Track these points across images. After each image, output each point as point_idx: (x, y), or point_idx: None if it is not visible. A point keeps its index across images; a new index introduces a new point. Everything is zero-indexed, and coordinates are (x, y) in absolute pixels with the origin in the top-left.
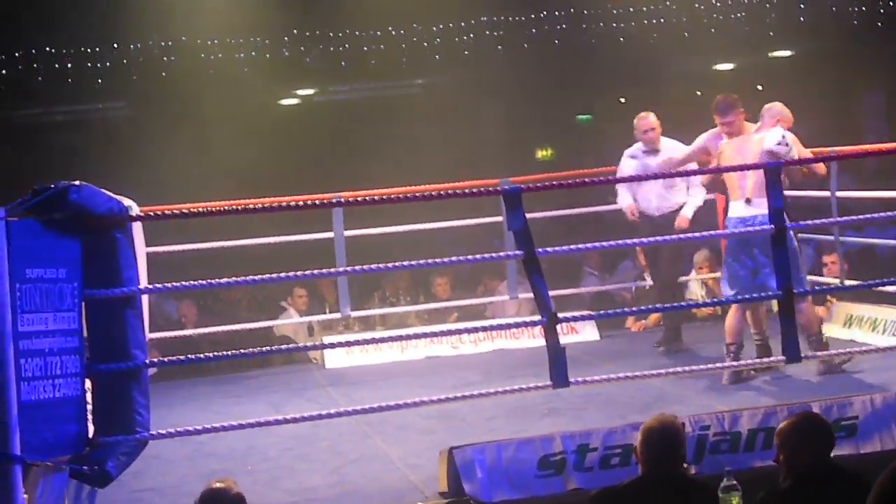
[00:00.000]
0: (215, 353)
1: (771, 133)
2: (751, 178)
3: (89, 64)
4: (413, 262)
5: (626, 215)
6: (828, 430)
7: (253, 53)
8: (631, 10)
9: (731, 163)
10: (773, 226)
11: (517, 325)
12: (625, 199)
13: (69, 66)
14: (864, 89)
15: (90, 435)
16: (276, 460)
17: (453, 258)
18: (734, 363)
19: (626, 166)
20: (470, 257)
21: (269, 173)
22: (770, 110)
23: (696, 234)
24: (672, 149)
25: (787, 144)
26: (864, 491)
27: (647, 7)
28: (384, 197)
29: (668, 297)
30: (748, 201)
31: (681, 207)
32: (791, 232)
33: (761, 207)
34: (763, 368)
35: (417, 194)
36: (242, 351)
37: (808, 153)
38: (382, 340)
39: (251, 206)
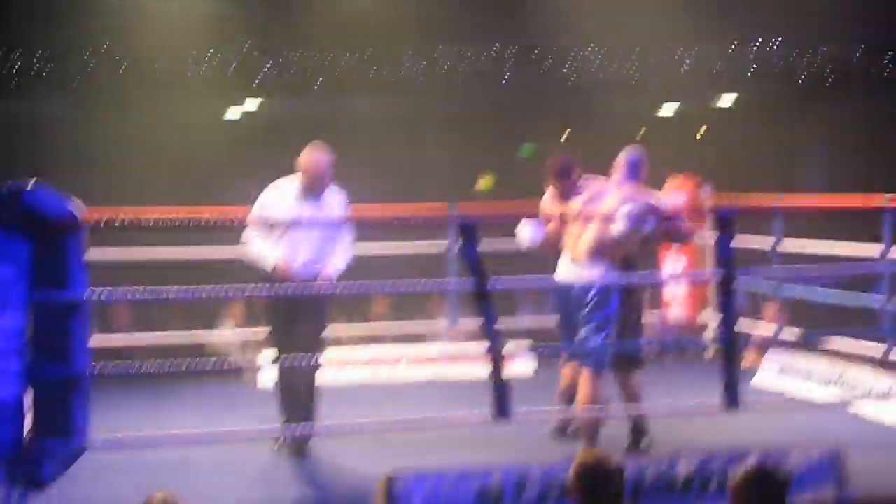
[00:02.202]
0: (158, 364)
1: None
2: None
3: (38, 63)
4: (355, 285)
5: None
6: (783, 486)
7: (203, 66)
8: (582, 50)
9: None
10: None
11: (463, 354)
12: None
13: (17, 64)
14: (807, 142)
15: (26, 438)
16: (211, 475)
17: (397, 283)
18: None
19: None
20: (416, 283)
21: (214, 183)
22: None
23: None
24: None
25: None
26: None
27: (597, 47)
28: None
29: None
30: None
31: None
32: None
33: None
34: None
35: (369, 217)
36: (184, 363)
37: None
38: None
39: (198, 219)
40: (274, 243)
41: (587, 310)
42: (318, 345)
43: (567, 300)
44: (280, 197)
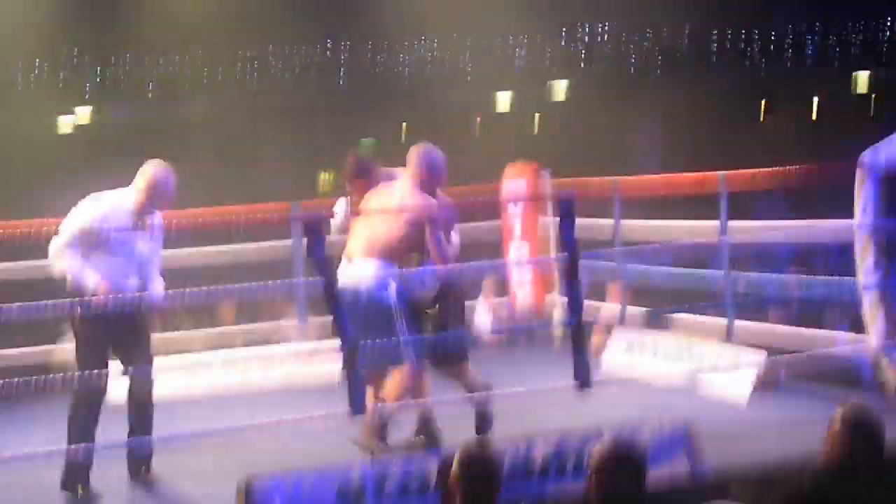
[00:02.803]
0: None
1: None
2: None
3: None
4: (203, 289)
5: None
6: (641, 460)
7: (33, 73)
8: (416, 42)
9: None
10: None
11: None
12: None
13: None
14: (639, 123)
15: None
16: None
17: (244, 285)
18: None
19: None
20: (262, 284)
21: (45, 193)
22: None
23: None
24: None
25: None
26: None
27: (430, 40)
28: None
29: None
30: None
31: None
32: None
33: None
34: None
35: (210, 219)
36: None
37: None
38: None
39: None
40: (94, 260)
41: (384, 312)
42: (147, 359)
43: (356, 304)
44: (112, 211)
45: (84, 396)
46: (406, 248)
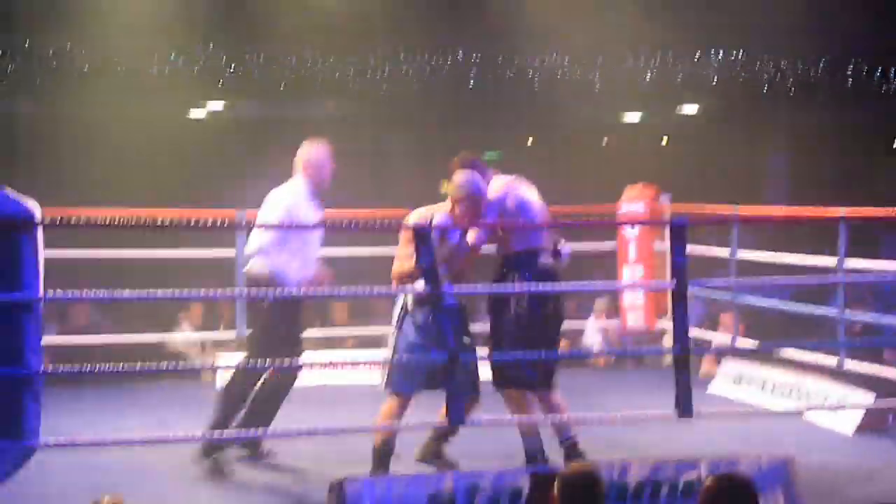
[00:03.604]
0: (111, 367)
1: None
2: None
3: None
4: (314, 292)
5: None
6: (753, 492)
7: (167, 63)
8: (546, 57)
9: None
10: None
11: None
12: None
13: None
14: (769, 152)
15: None
16: (164, 478)
17: (358, 290)
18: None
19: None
20: (376, 290)
21: (173, 184)
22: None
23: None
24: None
25: None
26: None
27: (561, 55)
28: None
29: None
30: None
31: None
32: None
33: None
34: None
35: (334, 222)
36: (139, 366)
37: None
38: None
39: (157, 220)
40: (290, 251)
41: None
42: (301, 349)
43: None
44: (300, 201)
45: (279, 382)
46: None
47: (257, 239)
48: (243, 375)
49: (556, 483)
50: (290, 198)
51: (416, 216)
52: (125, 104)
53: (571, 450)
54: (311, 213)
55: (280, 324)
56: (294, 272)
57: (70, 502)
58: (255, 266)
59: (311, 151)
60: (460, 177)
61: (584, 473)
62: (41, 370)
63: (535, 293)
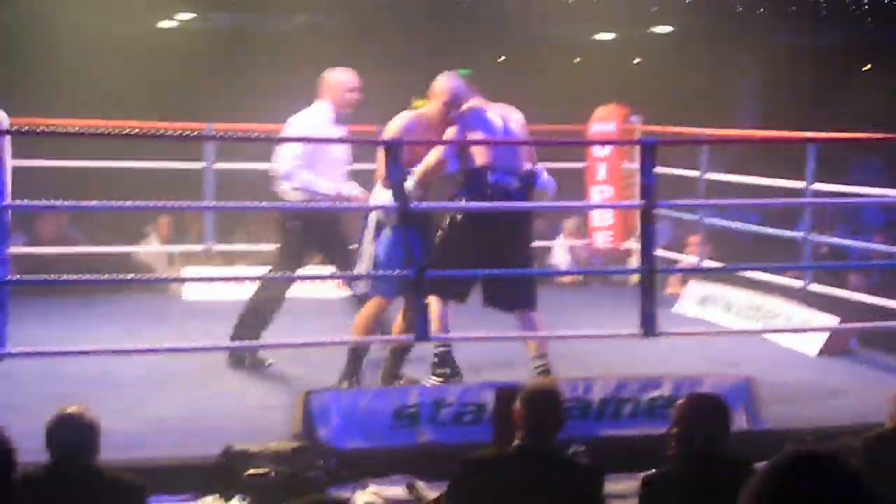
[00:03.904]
0: (77, 277)
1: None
2: None
3: None
4: (279, 205)
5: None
6: (726, 413)
7: None
8: None
9: None
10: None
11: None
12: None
13: None
14: (741, 74)
15: None
16: (130, 388)
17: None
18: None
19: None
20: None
21: (141, 95)
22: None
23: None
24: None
25: None
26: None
27: None
28: (261, 135)
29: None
30: None
31: None
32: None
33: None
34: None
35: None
36: (105, 277)
37: None
38: (250, 278)
39: (125, 130)
40: (320, 170)
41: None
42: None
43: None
44: (324, 124)
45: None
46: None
47: (286, 162)
48: (270, 289)
49: (519, 398)
50: (314, 120)
51: (395, 122)
52: (94, 13)
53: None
54: (335, 136)
55: (294, 238)
56: (325, 190)
57: (35, 411)
58: (286, 191)
59: (335, 77)
60: (444, 77)
61: (546, 389)
62: (7, 279)
63: (472, 211)
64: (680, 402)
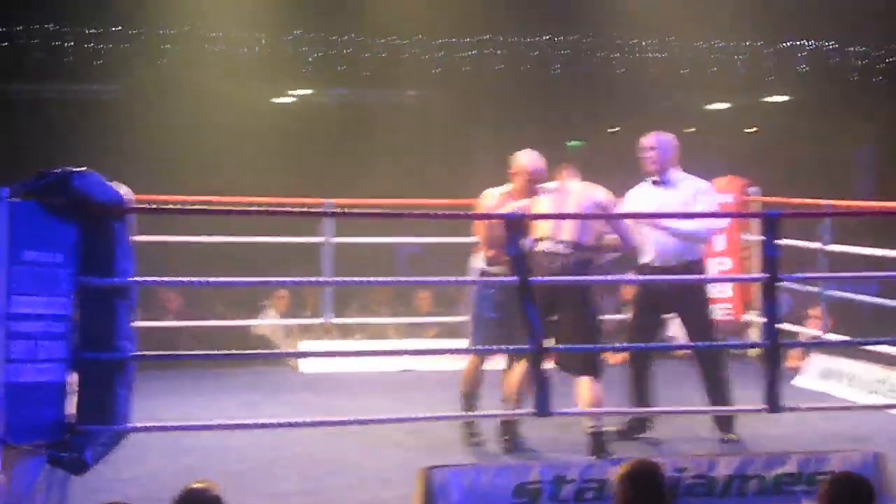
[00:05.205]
0: (201, 352)
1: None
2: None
3: (89, 45)
4: (400, 280)
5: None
6: (874, 499)
7: (256, 49)
8: (631, 42)
9: None
10: None
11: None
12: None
13: (68, 44)
14: (857, 143)
15: (69, 422)
16: (251, 462)
17: (442, 279)
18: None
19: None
20: (458, 279)
21: (259, 170)
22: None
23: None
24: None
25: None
26: None
27: (647, 41)
28: (381, 211)
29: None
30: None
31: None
32: None
33: None
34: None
35: (419, 212)
36: (227, 352)
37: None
38: (366, 353)
39: (244, 207)
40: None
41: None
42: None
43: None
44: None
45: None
46: None
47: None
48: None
49: (617, 479)
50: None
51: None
52: (214, 90)
53: (596, 437)
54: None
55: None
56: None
57: (158, 483)
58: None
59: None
60: (525, 154)
61: (647, 468)
62: (133, 355)
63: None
64: (830, 480)
